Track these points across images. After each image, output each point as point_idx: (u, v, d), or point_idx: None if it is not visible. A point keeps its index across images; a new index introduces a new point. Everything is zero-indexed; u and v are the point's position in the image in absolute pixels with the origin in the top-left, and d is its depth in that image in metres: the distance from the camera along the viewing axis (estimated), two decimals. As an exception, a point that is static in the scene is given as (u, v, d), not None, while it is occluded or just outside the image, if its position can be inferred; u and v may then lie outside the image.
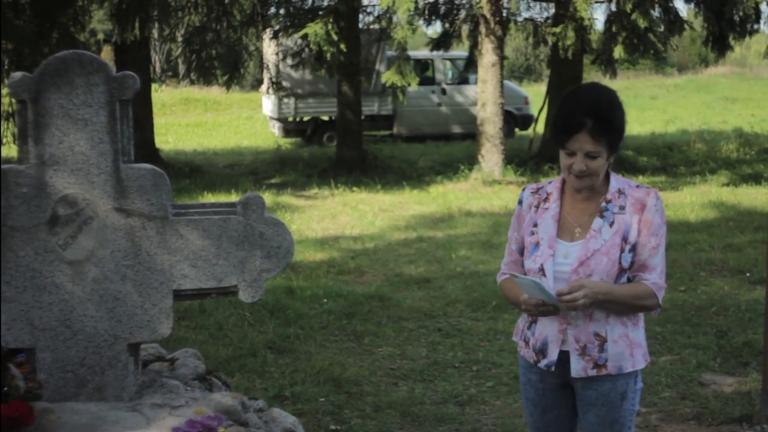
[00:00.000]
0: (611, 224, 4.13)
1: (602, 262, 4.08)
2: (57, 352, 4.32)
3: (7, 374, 4.05)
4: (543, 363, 4.27)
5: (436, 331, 9.23)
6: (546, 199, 4.31)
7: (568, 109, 4.08)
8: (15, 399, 3.96)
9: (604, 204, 4.18)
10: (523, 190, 4.47)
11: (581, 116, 4.00)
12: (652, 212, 4.13)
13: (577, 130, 4.00)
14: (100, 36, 26.87)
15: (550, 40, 19.67)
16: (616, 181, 4.23)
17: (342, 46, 19.19)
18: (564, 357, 4.22)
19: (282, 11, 20.76)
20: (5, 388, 4.01)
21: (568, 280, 4.09)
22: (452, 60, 28.85)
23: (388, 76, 20.38)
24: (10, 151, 17.98)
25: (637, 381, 4.32)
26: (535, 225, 4.27)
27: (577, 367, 4.19)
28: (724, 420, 6.83)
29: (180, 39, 22.55)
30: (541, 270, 4.17)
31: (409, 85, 20.75)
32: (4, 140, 18.44)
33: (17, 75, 4.20)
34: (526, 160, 21.08)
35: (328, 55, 19.40)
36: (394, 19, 19.46)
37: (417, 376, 7.97)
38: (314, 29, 18.97)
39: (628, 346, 4.19)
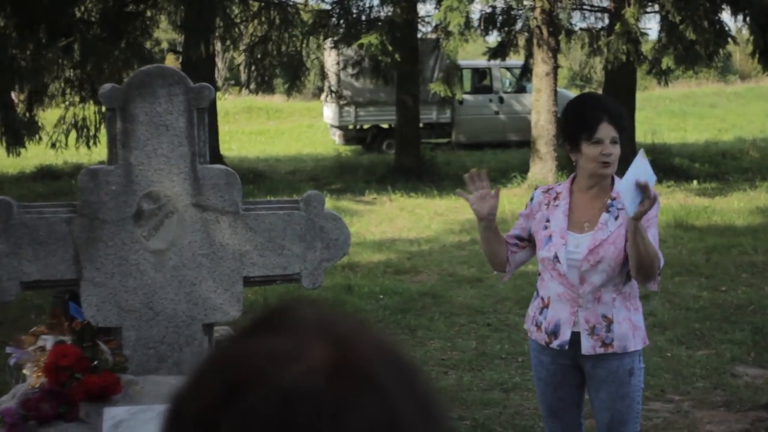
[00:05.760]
0: (616, 218, 4.64)
1: (609, 251, 4.59)
2: (141, 331, 4.66)
3: (97, 349, 4.44)
4: (555, 343, 4.71)
5: (486, 326, 9.55)
6: (556, 198, 4.80)
7: (586, 109, 4.70)
8: (104, 371, 4.32)
9: (609, 201, 4.68)
10: (536, 189, 4.98)
11: (599, 111, 4.61)
12: None
13: (600, 120, 4.57)
14: (164, 45, 27.32)
15: (605, 50, 19.90)
16: (618, 181, 4.71)
17: (396, 56, 19.60)
18: (575, 338, 4.68)
19: (342, 22, 21.13)
20: (96, 362, 4.37)
21: (579, 267, 4.61)
22: (510, 69, 28.67)
23: (435, 86, 20.76)
24: (101, 154, 18.67)
25: (641, 360, 4.78)
26: (548, 220, 4.77)
27: (587, 345, 4.65)
28: (751, 407, 7.18)
29: (242, 49, 22.89)
30: (556, 258, 4.65)
31: (455, 95, 21.05)
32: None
33: (107, 86, 4.59)
34: (580, 166, 21.18)
35: (383, 64, 19.88)
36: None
37: (466, 366, 8.35)
38: (369, 40, 19.44)
39: (631, 328, 4.68)
